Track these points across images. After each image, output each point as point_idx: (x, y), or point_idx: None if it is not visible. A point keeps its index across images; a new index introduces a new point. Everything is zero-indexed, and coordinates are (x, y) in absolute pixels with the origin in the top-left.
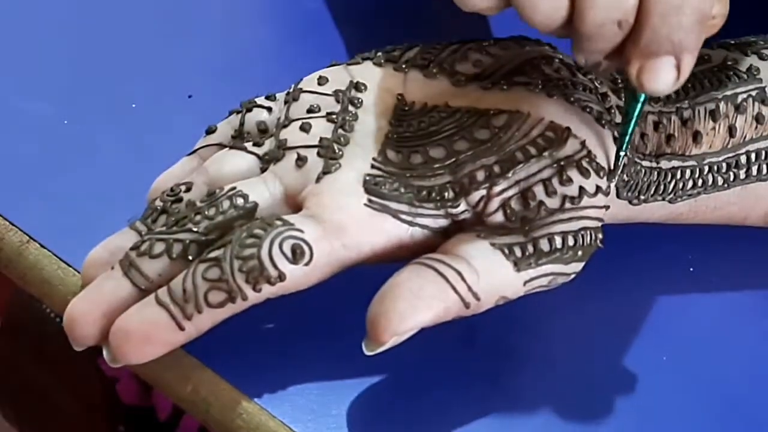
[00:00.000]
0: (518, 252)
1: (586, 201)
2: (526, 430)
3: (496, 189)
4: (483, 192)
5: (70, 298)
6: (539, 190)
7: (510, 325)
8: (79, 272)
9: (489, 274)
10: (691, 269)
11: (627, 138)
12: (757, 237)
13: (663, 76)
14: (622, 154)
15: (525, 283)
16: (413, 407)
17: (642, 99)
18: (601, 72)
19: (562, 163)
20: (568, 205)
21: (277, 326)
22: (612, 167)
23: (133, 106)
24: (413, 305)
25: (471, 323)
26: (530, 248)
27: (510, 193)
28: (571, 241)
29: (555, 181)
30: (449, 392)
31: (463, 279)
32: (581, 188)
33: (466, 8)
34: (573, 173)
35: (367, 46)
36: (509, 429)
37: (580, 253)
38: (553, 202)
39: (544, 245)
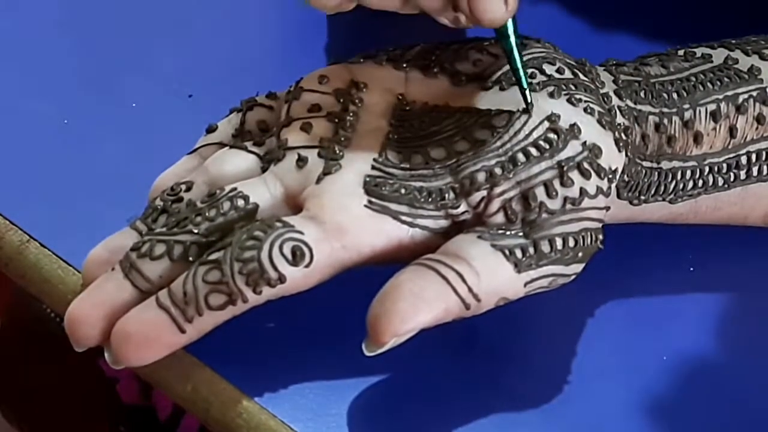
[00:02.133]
0: (519, 253)
1: (587, 202)
2: (526, 430)
3: (497, 190)
4: (484, 193)
5: (70, 298)
6: (540, 192)
7: (510, 326)
8: (79, 271)
9: (490, 276)
10: (691, 269)
11: (520, 74)
12: (757, 237)
13: (492, 6)
14: (526, 90)
15: (525, 284)
16: (413, 407)
17: (508, 31)
18: (464, 25)
19: (563, 164)
20: (569, 206)
21: (277, 326)
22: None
23: (134, 105)
24: (414, 306)
25: (471, 323)
26: (531, 249)
27: (511, 194)
28: (571, 243)
29: (556, 183)
30: (449, 392)
31: (463, 280)
32: (582, 190)
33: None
34: (574, 175)
35: (368, 45)
36: (509, 428)
37: (580, 254)
38: (554, 204)
39: (545, 246)
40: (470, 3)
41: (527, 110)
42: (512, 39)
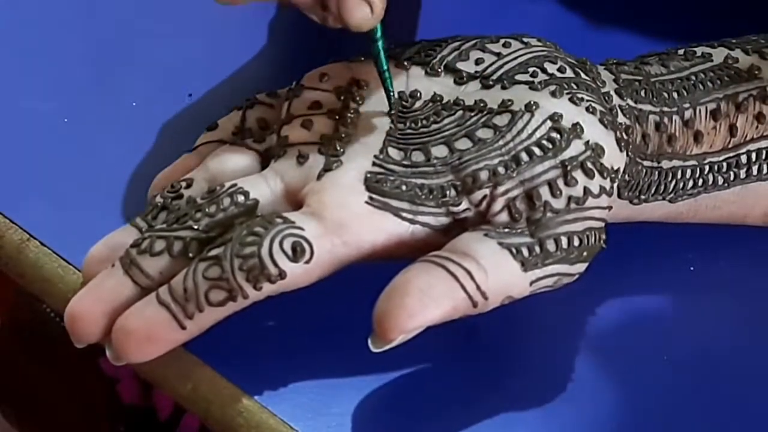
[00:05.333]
0: (525, 252)
1: (590, 201)
2: (526, 430)
3: (501, 189)
4: (486, 191)
5: (70, 297)
6: (545, 191)
7: (510, 326)
8: (79, 270)
9: (497, 273)
10: (692, 269)
11: (386, 76)
12: (757, 236)
13: (358, 12)
14: (392, 93)
15: (531, 283)
16: (413, 406)
17: (376, 36)
18: (332, 25)
19: (566, 163)
20: (573, 205)
21: (277, 324)
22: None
23: (134, 104)
24: (421, 302)
25: (471, 323)
26: (537, 249)
27: (515, 193)
28: (576, 242)
29: (560, 182)
30: (450, 391)
31: (472, 278)
32: (586, 189)
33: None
34: (578, 174)
35: (368, 44)
36: (510, 428)
37: (584, 253)
38: (558, 203)
39: (551, 245)
40: (338, 5)
41: (390, 112)
42: (379, 43)
